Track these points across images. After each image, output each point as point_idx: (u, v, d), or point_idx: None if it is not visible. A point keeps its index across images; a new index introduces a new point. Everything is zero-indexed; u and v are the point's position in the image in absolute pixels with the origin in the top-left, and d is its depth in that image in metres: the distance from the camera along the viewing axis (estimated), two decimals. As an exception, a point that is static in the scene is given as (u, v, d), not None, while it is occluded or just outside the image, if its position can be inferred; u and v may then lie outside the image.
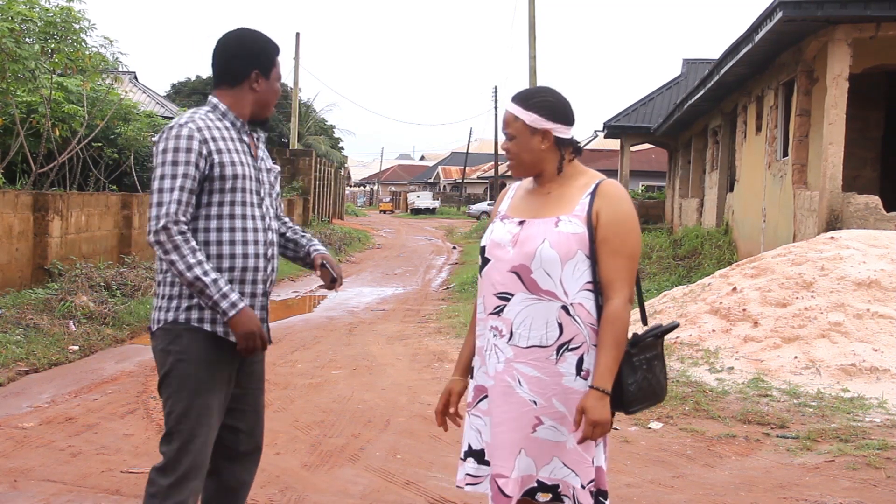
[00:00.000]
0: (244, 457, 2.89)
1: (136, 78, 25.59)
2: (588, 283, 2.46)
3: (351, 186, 78.84)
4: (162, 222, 2.59)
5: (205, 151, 2.65)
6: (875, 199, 9.92)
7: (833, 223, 9.83)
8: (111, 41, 12.72)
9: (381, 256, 23.03)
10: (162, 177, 2.62)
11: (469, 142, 70.04)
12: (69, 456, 4.74)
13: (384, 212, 67.19)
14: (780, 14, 9.90)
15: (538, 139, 2.52)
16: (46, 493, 4.13)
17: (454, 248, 26.76)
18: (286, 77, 38.50)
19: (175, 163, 2.62)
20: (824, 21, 9.99)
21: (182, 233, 2.60)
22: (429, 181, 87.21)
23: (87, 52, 12.05)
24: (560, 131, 2.52)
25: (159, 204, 2.61)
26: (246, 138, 2.82)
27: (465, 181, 71.99)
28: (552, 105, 2.52)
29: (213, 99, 2.80)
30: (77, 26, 11.59)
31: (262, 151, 2.91)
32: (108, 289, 10.04)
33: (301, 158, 30.37)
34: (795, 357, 6.75)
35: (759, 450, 5.04)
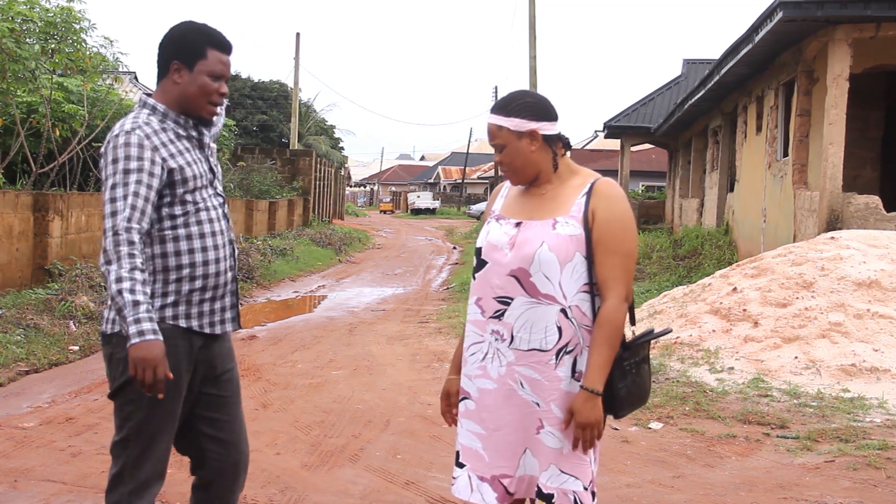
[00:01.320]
0: (232, 468, 2.82)
1: (136, 78, 25.60)
2: (585, 284, 2.46)
3: (351, 186, 78.80)
4: (110, 234, 2.43)
5: (158, 159, 2.53)
6: (875, 199, 9.92)
7: (833, 223, 9.83)
8: (111, 41, 12.73)
9: (382, 256, 23.03)
10: (113, 186, 2.47)
11: (469, 142, 69.99)
12: (69, 456, 4.74)
13: (384, 212, 67.16)
14: (780, 14, 9.90)
15: (527, 142, 2.50)
16: (46, 493, 4.13)
17: (454, 248, 26.76)
18: (286, 77, 38.50)
19: (127, 171, 2.48)
20: (824, 21, 9.99)
21: (130, 243, 2.44)
22: (429, 181, 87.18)
23: (87, 53, 12.04)
24: (546, 128, 2.51)
25: (112, 214, 2.45)
26: (193, 133, 2.70)
27: (465, 181, 71.98)
28: (532, 105, 2.52)
29: (149, 100, 2.65)
30: (77, 26, 11.57)
31: (208, 138, 2.77)
32: (109, 289, 10.03)
33: (301, 158, 30.36)
34: (795, 357, 6.75)
35: (760, 450, 5.04)
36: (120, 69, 13.77)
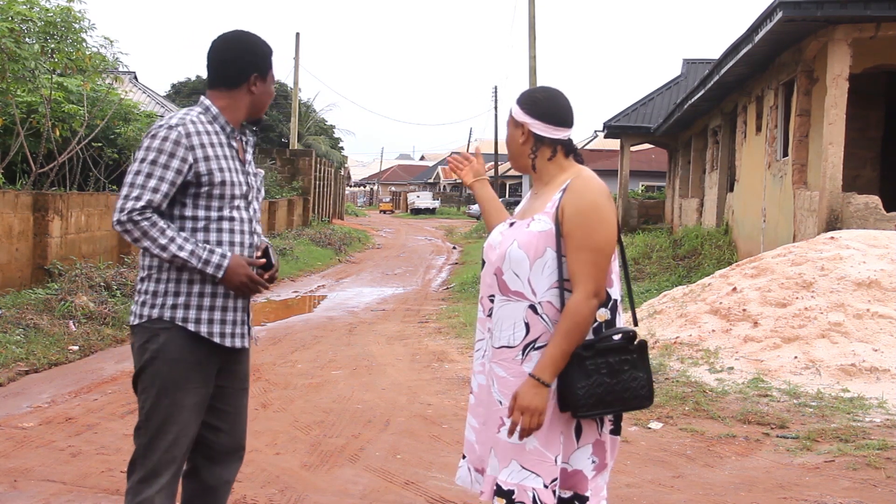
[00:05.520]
0: (225, 456, 2.89)
1: (136, 78, 25.58)
2: (557, 280, 2.45)
3: (351, 186, 78.77)
4: (126, 212, 2.61)
5: (190, 159, 2.66)
6: (875, 199, 9.92)
7: (833, 223, 9.83)
8: (111, 41, 12.73)
9: (381, 256, 23.03)
10: (138, 172, 2.64)
11: (469, 142, 69.99)
12: (69, 456, 4.74)
13: (384, 212, 67.18)
14: (780, 14, 9.89)
15: (519, 132, 2.60)
16: (46, 493, 4.13)
17: (454, 248, 26.76)
18: (286, 77, 38.57)
19: (154, 162, 2.63)
20: (824, 21, 9.98)
21: (148, 218, 2.61)
22: (429, 181, 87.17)
23: (87, 52, 12.04)
24: (537, 127, 2.55)
25: (126, 196, 2.62)
26: (234, 143, 2.82)
27: (465, 181, 71.87)
28: (536, 101, 2.57)
29: (205, 101, 2.80)
30: (77, 26, 11.58)
31: (249, 155, 2.92)
32: (108, 289, 10.04)
33: (301, 158, 30.34)
34: (795, 357, 6.75)
35: (759, 450, 5.04)
36: (120, 69, 13.76)
